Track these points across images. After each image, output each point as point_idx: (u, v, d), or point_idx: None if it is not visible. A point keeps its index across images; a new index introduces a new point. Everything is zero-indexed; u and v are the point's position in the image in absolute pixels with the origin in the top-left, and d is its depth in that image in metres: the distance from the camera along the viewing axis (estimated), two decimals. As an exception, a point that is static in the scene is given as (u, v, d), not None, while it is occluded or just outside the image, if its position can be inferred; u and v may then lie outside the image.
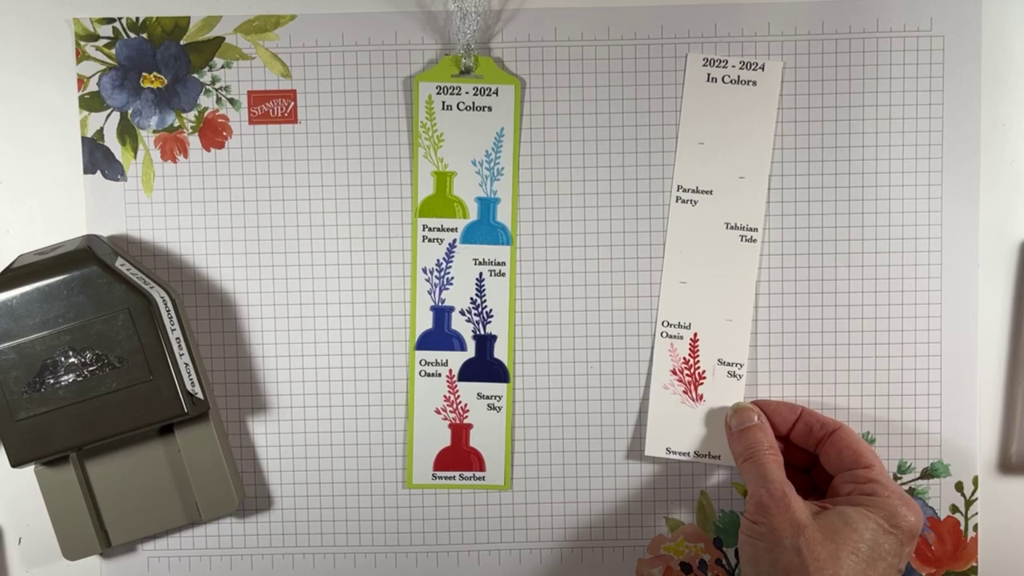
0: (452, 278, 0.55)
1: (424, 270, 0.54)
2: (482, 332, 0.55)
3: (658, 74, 0.55)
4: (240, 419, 0.56)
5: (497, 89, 0.51)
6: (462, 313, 0.54)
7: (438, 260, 0.53)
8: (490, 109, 0.51)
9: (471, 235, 0.53)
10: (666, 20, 0.55)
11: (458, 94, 0.51)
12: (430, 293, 0.54)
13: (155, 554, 0.57)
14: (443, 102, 0.51)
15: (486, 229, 0.53)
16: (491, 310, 0.55)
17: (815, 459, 0.52)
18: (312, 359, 0.56)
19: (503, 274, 0.55)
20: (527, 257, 0.56)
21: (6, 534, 0.57)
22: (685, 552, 0.57)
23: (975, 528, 0.56)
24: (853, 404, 0.56)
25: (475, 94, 0.51)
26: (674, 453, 0.55)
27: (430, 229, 0.53)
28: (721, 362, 0.55)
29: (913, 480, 0.56)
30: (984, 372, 0.56)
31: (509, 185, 0.52)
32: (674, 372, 0.55)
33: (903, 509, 0.45)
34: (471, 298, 0.55)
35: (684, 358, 0.55)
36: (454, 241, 0.53)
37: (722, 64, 0.55)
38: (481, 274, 0.55)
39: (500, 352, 0.55)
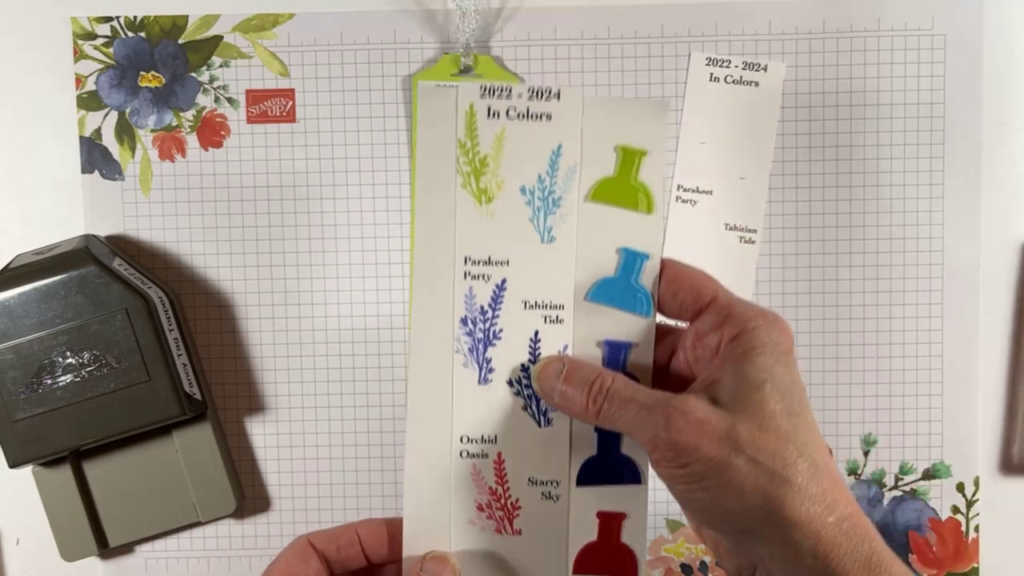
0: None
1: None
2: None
3: (658, 73, 0.55)
4: (239, 420, 0.56)
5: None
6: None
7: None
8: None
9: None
10: (666, 19, 0.54)
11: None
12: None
13: (153, 555, 0.57)
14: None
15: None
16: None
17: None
18: (311, 359, 0.56)
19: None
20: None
21: (4, 535, 0.57)
22: (686, 554, 0.56)
23: (976, 529, 0.56)
24: (854, 405, 0.55)
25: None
26: None
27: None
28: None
29: (915, 481, 0.56)
30: (985, 373, 0.56)
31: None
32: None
33: (775, 332, 0.35)
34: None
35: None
36: None
37: (725, 64, 0.54)
38: None
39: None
